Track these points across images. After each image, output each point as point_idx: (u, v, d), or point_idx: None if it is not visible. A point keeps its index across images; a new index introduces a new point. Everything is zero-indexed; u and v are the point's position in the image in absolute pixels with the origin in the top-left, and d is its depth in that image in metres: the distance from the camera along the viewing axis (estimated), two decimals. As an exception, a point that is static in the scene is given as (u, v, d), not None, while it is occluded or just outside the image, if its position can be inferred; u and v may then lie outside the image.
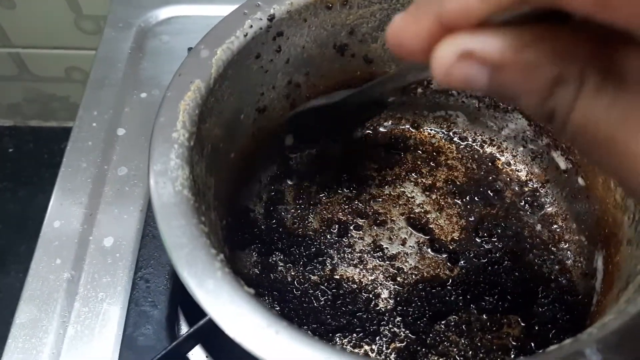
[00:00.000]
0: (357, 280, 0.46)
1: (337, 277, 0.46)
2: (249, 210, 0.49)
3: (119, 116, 0.58)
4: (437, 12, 0.19)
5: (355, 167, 0.52)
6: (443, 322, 0.44)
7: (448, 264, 0.46)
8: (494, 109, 0.51)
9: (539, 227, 0.48)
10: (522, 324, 0.43)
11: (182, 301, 0.47)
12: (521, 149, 0.51)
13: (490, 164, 0.52)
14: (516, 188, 0.51)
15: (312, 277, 0.46)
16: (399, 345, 0.43)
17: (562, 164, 0.48)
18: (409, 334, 0.43)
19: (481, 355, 0.42)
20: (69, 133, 0.56)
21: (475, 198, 0.50)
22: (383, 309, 0.44)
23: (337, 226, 0.49)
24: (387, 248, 0.47)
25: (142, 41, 0.65)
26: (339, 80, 0.50)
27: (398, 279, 0.46)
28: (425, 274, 0.46)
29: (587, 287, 0.43)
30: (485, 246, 0.47)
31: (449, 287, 0.45)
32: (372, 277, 0.46)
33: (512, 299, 0.44)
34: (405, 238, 0.48)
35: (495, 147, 0.53)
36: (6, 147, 1.00)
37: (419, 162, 0.53)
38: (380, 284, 0.46)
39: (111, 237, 0.50)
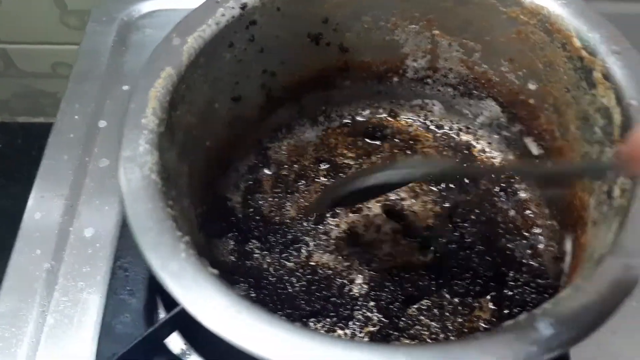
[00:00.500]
0: (332, 267, 0.46)
1: (313, 263, 0.46)
2: (227, 199, 0.50)
3: (101, 109, 0.58)
4: None
5: (333, 155, 0.53)
6: (415, 306, 0.44)
7: (422, 249, 0.47)
8: (469, 97, 0.51)
9: (512, 212, 0.49)
10: (493, 307, 0.44)
11: (160, 289, 0.47)
12: (496, 136, 0.52)
13: (466, 151, 0.53)
14: (491, 175, 0.51)
15: (288, 264, 0.47)
16: (372, 329, 0.43)
17: (535, 149, 0.48)
18: (382, 318, 0.44)
19: (453, 337, 0.43)
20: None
21: (451, 185, 0.50)
22: (357, 294, 0.45)
23: (313, 214, 0.49)
24: (362, 235, 0.48)
25: (125, 34, 0.65)
26: (316, 70, 0.50)
27: (372, 264, 0.46)
28: (399, 259, 0.46)
29: (557, 270, 0.44)
30: (459, 232, 0.48)
31: (422, 272, 0.45)
32: (347, 264, 0.46)
33: (484, 282, 0.45)
34: (380, 225, 0.48)
35: (471, 135, 0.53)
36: (-4, 144, 1.00)
37: (396, 151, 0.53)
38: (355, 270, 0.46)
39: (92, 228, 0.51)
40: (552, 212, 0.47)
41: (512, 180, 0.50)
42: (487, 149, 0.52)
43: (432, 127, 0.54)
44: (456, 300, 0.44)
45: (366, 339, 0.43)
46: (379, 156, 0.53)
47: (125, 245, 0.49)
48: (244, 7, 0.42)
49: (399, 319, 0.43)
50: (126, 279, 0.48)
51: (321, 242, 0.48)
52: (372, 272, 0.46)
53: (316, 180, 0.51)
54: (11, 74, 0.87)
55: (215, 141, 0.45)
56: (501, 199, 0.50)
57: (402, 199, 0.50)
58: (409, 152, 0.53)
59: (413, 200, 0.50)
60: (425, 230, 0.48)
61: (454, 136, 0.54)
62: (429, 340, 0.42)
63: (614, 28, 0.38)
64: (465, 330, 0.43)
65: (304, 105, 0.53)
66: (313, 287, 0.45)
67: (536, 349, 0.27)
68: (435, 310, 0.44)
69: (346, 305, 0.44)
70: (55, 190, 0.52)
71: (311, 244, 0.48)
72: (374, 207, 0.49)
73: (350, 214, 0.49)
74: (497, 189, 0.50)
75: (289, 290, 0.45)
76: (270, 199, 0.50)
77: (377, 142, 0.54)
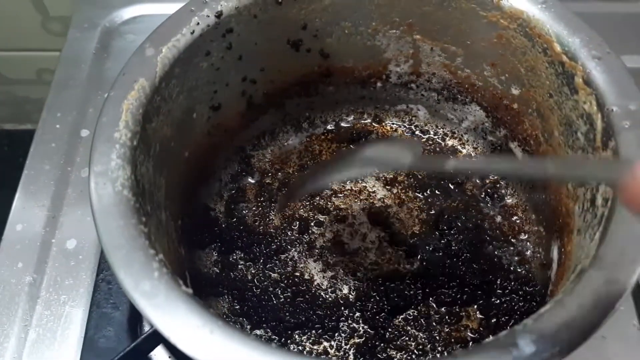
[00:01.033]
0: (317, 277, 0.46)
1: (298, 273, 0.46)
2: (209, 209, 0.49)
3: (83, 117, 0.58)
4: None
5: (317, 163, 0.52)
6: (402, 316, 0.43)
7: (408, 258, 0.46)
8: (453, 102, 0.51)
9: (499, 218, 0.48)
10: (481, 316, 0.43)
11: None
12: (481, 141, 0.51)
13: (451, 156, 0.52)
14: (477, 180, 0.50)
15: (272, 275, 0.46)
16: (358, 340, 0.43)
17: (519, 154, 0.47)
18: (368, 329, 0.43)
19: (440, 348, 0.42)
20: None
21: (436, 191, 0.50)
22: (342, 305, 0.44)
23: (298, 223, 0.48)
24: (347, 244, 0.47)
25: (107, 41, 0.64)
26: (297, 76, 0.49)
27: (358, 274, 0.45)
28: (384, 268, 0.46)
29: (545, 278, 0.43)
30: (445, 239, 0.47)
31: (407, 282, 0.45)
32: (332, 273, 0.46)
33: (471, 291, 0.44)
34: (365, 233, 0.48)
35: (456, 140, 0.53)
36: (-19, 152, 0.99)
37: (381, 156, 0.52)
38: (340, 280, 0.45)
39: (74, 240, 0.50)
40: (539, 218, 0.46)
41: (498, 185, 0.50)
42: (472, 154, 0.52)
43: (418, 132, 0.53)
44: (443, 309, 0.43)
45: (352, 351, 0.42)
46: (364, 162, 0.52)
47: (108, 257, 0.48)
48: (219, 15, 0.41)
49: (386, 330, 0.43)
50: (109, 292, 0.47)
51: (306, 252, 0.47)
52: (357, 282, 0.45)
53: (300, 188, 0.51)
54: (-4, 81, 0.86)
55: (194, 151, 0.45)
56: (488, 204, 0.49)
57: (388, 206, 0.49)
58: (394, 157, 0.52)
59: (398, 208, 0.49)
60: (411, 238, 0.47)
61: (440, 141, 0.53)
62: (415, 352, 0.42)
63: (593, 32, 0.38)
64: (453, 340, 0.42)
65: (287, 111, 0.52)
66: (298, 299, 0.44)
67: (517, 367, 0.27)
68: (422, 320, 0.43)
69: (332, 316, 0.43)
70: (37, 201, 0.52)
71: (296, 254, 0.47)
72: (359, 215, 0.49)
73: (336, 223, 0.48)
74: (483, 194, 0.50)
75: (274, 301, 0.44)
76: (254, 209, 0.49)
77: (362, 148, 0.53)
